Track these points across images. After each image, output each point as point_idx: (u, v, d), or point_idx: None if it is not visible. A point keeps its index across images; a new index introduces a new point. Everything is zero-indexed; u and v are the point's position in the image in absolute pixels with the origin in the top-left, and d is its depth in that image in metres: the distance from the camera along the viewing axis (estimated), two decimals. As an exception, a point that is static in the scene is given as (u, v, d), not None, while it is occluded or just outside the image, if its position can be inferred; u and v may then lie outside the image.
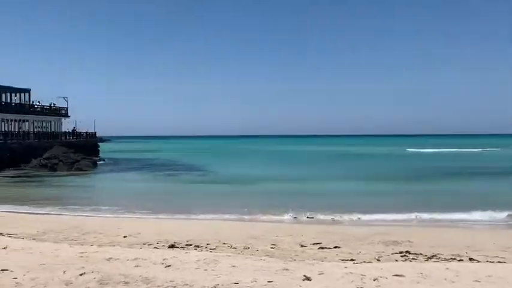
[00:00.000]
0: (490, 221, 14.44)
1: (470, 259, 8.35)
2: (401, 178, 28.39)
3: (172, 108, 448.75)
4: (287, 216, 15.40)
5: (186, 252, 7.88)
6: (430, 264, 7.44)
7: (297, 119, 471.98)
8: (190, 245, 9.69)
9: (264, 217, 15.60)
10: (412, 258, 8.47)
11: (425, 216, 15.20)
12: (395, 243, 10.50)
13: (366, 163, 46.77)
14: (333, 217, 15.32)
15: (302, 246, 10.05)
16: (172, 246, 9.32)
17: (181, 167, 41.93)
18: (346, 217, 15.25)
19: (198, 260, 6.56)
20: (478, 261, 8.05)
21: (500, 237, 11.49)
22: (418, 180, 27.76)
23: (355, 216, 15.24)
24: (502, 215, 14.92)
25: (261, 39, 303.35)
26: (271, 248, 9.73)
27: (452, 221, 14.53)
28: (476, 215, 14.82)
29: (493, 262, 7.90)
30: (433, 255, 8.72)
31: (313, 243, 10.29)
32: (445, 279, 5.90)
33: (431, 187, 24.08)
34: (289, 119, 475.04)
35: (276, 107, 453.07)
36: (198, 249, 9.06)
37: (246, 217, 15.62)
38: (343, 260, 8.23)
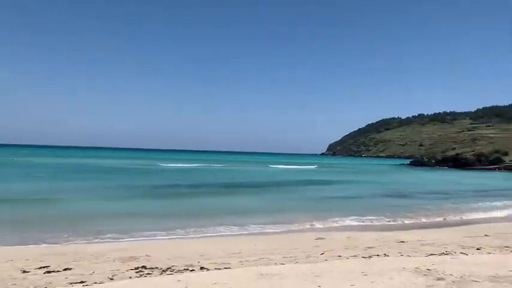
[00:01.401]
0: (222, 231, 15.71)
1: (202, 268, 8.79)
2: (149, 193, 28.42)
3: None
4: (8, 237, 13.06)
5: None
6: (164, 278, 7.44)
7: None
8: None
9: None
10: (147, 273, 8.30)
11: (168, 228, 15.35)
12: (133, 258, 10.18)
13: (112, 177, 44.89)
14: (67, 236, 13.82)
15: (24, 272, 8.54)
16: None
17: None
18: (81, 236, 13.98)
19: None
20: (208, 269, 8.54)
21: (227, 245, 12.56)
22: (160, 194, 28.22)
23: (92, 235, 14.15)
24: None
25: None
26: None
27: (187, 232, 15.17)
28: (210, 226, 15.95)
29: (220, 269, 8.51)
30: (168, 268, 8.78)
31: (39, 267, 8.91)
32: (175, 292, 5.90)
33: (173, 200, 24.71)
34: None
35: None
36: None
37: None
38: (71, 284, 7.35)
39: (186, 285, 6.49)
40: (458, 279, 6.62)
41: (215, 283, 6.56)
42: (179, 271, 8.47)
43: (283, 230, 15.92)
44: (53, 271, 8.53)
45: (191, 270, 8.57)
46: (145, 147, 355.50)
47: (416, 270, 7.22)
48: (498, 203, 26.06)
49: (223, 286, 6.30)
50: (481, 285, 6.34)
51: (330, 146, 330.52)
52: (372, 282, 6.48)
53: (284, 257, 9.85)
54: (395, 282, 6.46)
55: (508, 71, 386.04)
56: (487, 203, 26.24)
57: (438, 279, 6.65)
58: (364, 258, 8.97)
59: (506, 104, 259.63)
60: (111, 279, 7.78)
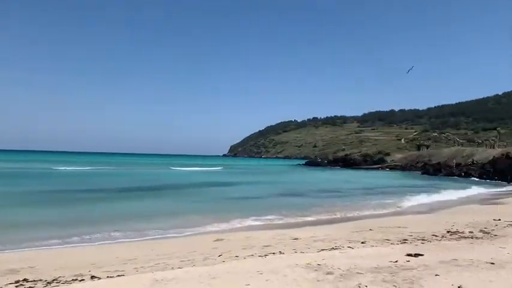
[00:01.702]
0: (118, 238, 14.85)
1: (92, 277, 8.25)
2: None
3: None
4: None
5: None
6: (48, 291, 6.82)
7: None
8: None
9: None
10: (30, 287, 7.54)
11: (60, 236, 14.07)
12: (14, 271, 9.20)
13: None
14: None
15: None
16: None
17: None
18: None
19: None
20: (99, 278, 8.05)
21: (122, 251, 11.95)
22: (54, 199, 25.89)
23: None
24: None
25: None
26: None
27: (82, 239, 14.12)
28: (105, 233, 15.07)
29: (112, 277, 8.07)
30: (54, 279, 8.10)
31: None
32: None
33: (68, 207, 22.83)
34: None
35: None
36: None
37: None
38: None
39: (74, 297, 6.05)
40: (345, 272, 7.12)
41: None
42: (67, 282, 7.87)
43: (183, 233, 15.66)
44: None
45: (80, 280, 8.01)
46: (29, 149, 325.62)
47: (308, 266, 7.61)
48: (380, 199, 28.75)
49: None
50: (364, 276, 6.88)
51: (231, 147, 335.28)
52: (267, 280, 6.67)
53: (181, 261, 9.69)
54: (288, 279, 6.73)
55: (389, 81, 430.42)
56: (373, 199, 28.75)
57: (327, 273, 7.08)
58: (260, 257, 9.21)
59: (387, 109, 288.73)
60: (-15, 296, 6.94)
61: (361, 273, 7.11)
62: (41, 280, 8.09)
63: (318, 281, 6.60)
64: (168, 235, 15.28)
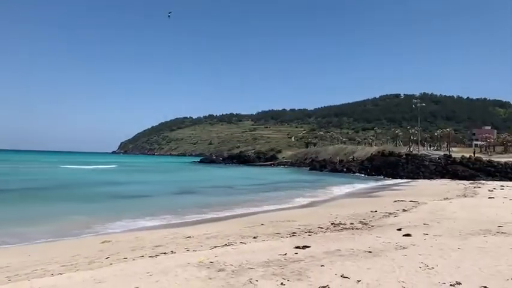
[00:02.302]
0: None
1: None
2: None
3: None
4: None
5: None
6: None
7: None
8: None
9: None
10: None
11: None
12: None
13: None
14: None
15: None
16: None
17: None
18: None
19: None
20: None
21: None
22: None
23: None
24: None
25: None
26: None
27: None
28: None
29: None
30: None
31: None
32: None
33: None
34: None
35: None
36: None
37: None
38: None
39: None
40: (236, 268, 7.15)
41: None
42: None
43: (65, 237, 14.38)
44: None
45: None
46: None
47: (200, 264, 7.50)
48: (272, 194, 29.89)
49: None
50: (255, 271, 6.98)
51: (121, 144, 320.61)
52: (157, 281, 6.40)
53: (63, 266, 8.86)
54: (179, 278, 6.54)
55: (283, 82, 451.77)
56: (264, 195, 29.73)
57: (219, 270, 7.05)
58: (151, 258, 8.84)
59: (280, 108, 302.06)
60: None
61: (252, 268, 7.20)
62: None
63: (210, 278, 6.52)
64: (50, 239, 13.90)
